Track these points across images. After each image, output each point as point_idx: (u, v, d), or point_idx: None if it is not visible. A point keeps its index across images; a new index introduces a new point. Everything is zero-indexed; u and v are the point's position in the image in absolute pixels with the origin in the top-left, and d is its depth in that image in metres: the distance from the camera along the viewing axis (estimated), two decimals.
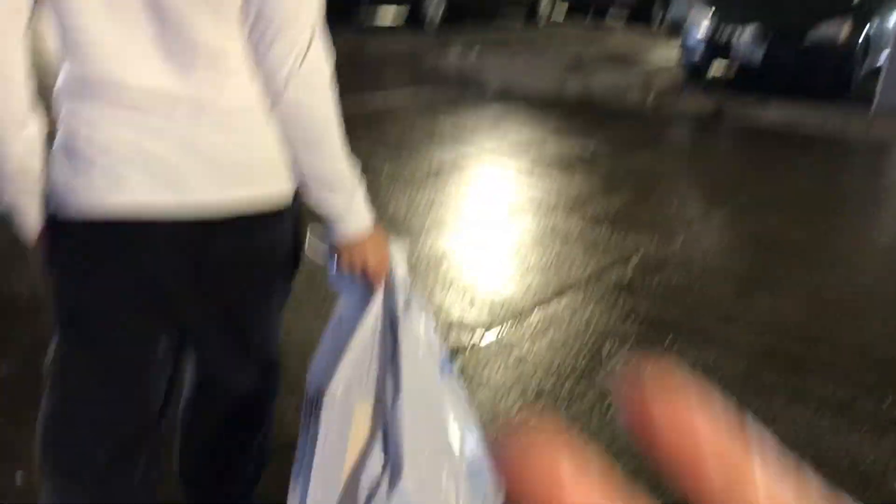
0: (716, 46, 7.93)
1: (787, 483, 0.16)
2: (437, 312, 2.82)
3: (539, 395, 2.36)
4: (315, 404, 1.24)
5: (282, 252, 1.29)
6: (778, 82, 7.65)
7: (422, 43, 9.97)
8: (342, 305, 1.34)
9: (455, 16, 11.63)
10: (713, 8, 8.05)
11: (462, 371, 2.44)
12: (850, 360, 2.68)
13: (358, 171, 1.27)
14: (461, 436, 1.23)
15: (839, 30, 7.44)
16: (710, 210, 4.36)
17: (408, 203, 4.01)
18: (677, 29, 10.07)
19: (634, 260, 3.45)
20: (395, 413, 1.19)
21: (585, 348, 2.65)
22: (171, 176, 1.13)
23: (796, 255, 3.65)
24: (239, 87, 1.15)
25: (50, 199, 1.17)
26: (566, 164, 4.94)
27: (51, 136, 1.18)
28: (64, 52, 1.13)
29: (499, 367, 2.50)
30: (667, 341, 2.73)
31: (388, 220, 3.68)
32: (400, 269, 1.33)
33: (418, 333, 1.26)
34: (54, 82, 1.15)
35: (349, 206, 1.26)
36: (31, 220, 1.20)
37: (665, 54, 10.22)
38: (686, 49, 8.31)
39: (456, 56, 9.06)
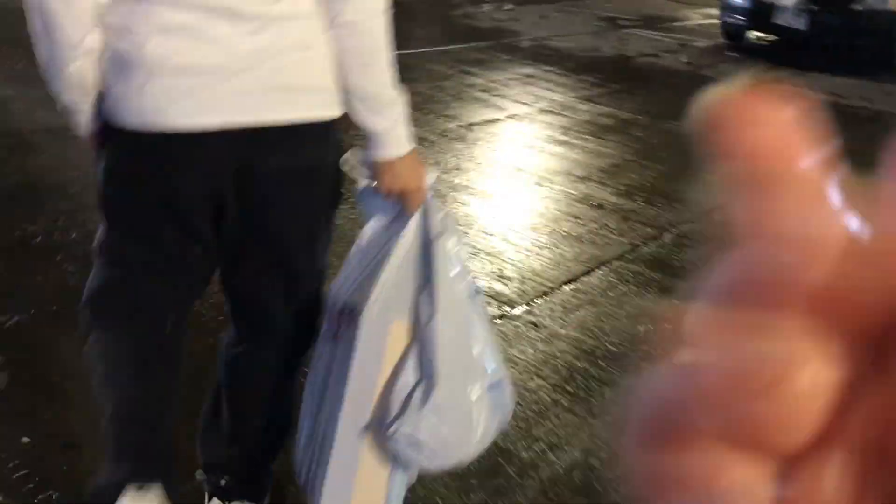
0: (759, 8, 7.60)
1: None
2: None
3: (570, 378, 2.26)
4: (346, 320, 1.32)
5: (323, 178, 1.32)
6: (823, 48, 7.34)
7: None
8: (370, 227, 1.38)
9: None
10: None
11: None
12: None
13: (405, 96, 1.32)
14: (485, 353, 1.33)
15: None
16: None
17: (434, 166, 3.87)
18: None
19: (669, 235, 3.31)
20: (429, 331, 1.27)
21: (619, 329, 2.53)
22: (221, 93, 1.17)
23: None
24: (297, 2, 1.20)
25: (102, 106, 1.23)
26: (600, 131, 4.76)
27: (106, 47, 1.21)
28: None
29: (528, 346, 2.39)
30: None
31: None
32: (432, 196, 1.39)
33: (452, 256, 1.33)
34: None
35: (394, 128, 1.30)
36: (84, 120, 1.28)
37: (705, 16, 9.87)
38: (727, 10, 7.99)
39: (490, 8, 8.81)
